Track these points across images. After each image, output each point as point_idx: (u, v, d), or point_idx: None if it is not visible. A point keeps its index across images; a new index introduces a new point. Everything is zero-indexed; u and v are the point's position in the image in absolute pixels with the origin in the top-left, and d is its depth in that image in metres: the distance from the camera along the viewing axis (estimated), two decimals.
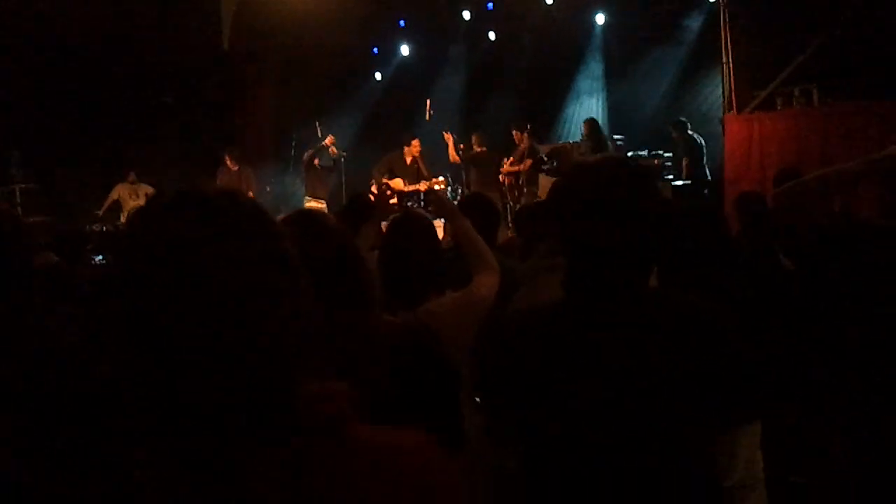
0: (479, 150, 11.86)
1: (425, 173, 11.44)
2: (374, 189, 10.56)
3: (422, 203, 10.66)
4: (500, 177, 11.83)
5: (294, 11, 12.45)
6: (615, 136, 12.86)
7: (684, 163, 11.68)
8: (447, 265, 3.25)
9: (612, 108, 14.80)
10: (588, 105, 15.16)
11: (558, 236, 1.91)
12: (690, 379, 1.72)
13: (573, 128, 14.75)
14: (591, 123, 11.76)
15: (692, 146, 11.64)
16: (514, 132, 11.87)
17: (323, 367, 1.04)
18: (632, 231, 1.78)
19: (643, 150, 12.60)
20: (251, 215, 0.99)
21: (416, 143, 11.41)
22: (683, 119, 11.98)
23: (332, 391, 1.03)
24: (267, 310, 0.95)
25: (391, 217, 3.18)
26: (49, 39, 11.63)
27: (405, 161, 11.47)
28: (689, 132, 11.75)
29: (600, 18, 14.62)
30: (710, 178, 11.56)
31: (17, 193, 11.42)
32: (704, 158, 11.69)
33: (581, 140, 11.84)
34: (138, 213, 1.01)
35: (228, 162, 11.74)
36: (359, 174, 12.24)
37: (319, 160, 11.56)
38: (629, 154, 12.19)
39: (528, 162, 11.57)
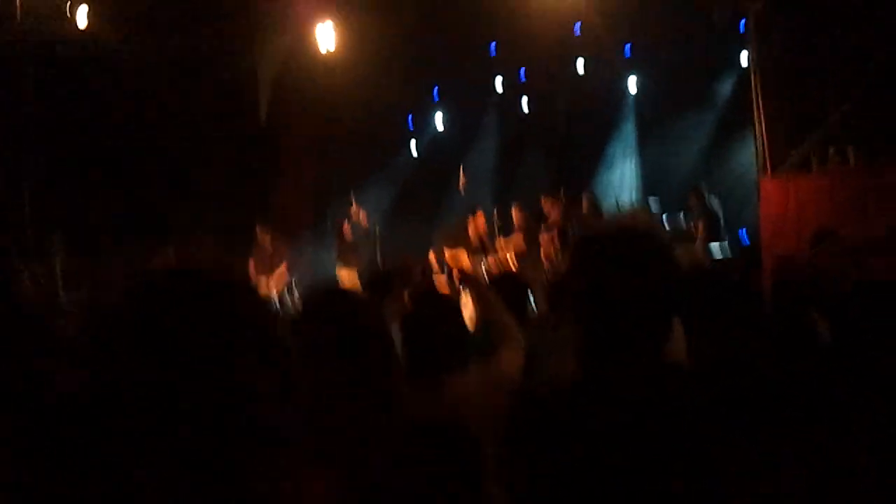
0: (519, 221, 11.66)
1: (489, 247, 11.22)
2: (431, 257, 10.51)
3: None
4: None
5: (330, 86, 12.66)
6: (650, 198, 12.82)
7: (700, 226, 11.58)
8: (473, 340, 3.30)
9: (646, 172, 14.83)
10: (622, 169, 15.21)
11: (570, 300, 1.89)
12: (717, 461, 1.68)
13: (609, 192, 14.76)
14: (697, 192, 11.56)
15: (709, 213, 11.57)
16: (543, 201, 11.66)
17: (319, 460, 1.01)
18: (643, 286, 1.75)
19: (678, 213, 12.51)
20: (234, 300, 0.97)
21: (480, 215, 11.25)
22: (701, 187, 11.91)
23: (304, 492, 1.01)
24: (240, 402, 0.92)
25: (414, 290, 3.21)
26: (91, 116, 11.92)
27: (467, 232, 11.31)
28: (708, 201, 11.69)
29: (632, 84, 14.74)
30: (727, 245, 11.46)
31: (58, 270, 11.60)
32: (721, 228, 11.60)
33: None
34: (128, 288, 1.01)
35: (261, 238, 11.82)
36: (395, 244, 12.28)
37: (351, 230, 11.63)
38: (664, 216, 12.19)
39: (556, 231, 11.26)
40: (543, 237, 11.42)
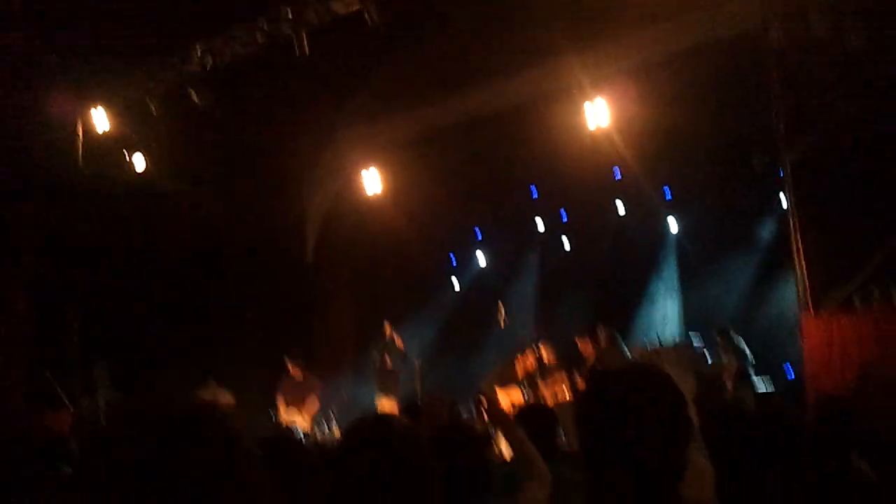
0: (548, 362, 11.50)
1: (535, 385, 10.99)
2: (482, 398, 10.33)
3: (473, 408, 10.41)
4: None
5: (375, 223, 12.98)
6: (690, 333, 12.71)
7: (733, 369, 11.41)
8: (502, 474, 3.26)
9: (689, 310, 14.77)
10: (663, 308, 15.16)
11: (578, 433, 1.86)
12: None
13: (650, 330, 14.67)
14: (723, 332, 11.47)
15: (739, 355, 11.42)
16: (578, 341, 11.32)
17: None
18: (650, 421, 1.73)
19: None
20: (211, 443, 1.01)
21: (530, 352, 11.13)
22: (727, 326, 11.80)
23: None
24: None
25: (437, 425, 3.19)
26: (137, 252, 12.24)
27: (515, 372, 11.17)
28: (735, 340, 11.56)
29: (673, 224, 14.86)
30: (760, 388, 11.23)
31: (102, 404, 11.70)
32: (752, 370, 11.41)
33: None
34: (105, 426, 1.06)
35: (290, 369, 11.87)
36: (436, 381, 12.23)
37: (390, 358, 11.63)
38: (705, 353, 12.05)
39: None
40: (577, 377, 11.15)
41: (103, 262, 11.93)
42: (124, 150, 11.83)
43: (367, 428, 2.03)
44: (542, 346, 11.38)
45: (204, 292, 13.06)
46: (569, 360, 11.68)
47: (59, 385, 10.98)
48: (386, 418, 2.22)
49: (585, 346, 11.19)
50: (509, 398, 10.78)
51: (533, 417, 4.15)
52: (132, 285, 12.43)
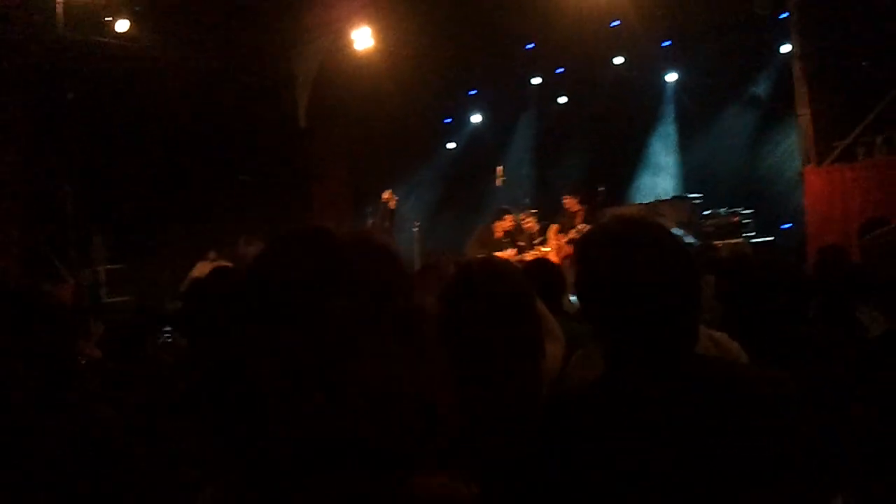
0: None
1: (525, 245, 10.81)
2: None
3: None
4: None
5: (367, 86, 12.71)
6: (690, 195, 12.67)
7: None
8: None
9: (688, 168, 14.74)
10: (663, 165, 15.12)
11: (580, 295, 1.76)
12: (757, 464, 1.56)
13: (648, 190, 14.68)
14: None
15: None
16: (564, 198, 10.85)
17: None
18: (666, 270, 1.65)
19: (721, 208, 12.33)
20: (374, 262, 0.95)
21: (509, 218, 10.91)
22: None
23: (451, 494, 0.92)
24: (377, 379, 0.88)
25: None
26: (130, 121, 12.04)
27: (493, 236, 10.98)
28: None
29: (671, 78, 14.68)
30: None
31: (103, 274, 11.74)
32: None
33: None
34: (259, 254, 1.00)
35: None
36: (434, 242, 12.24)
37: (389, 222, 11.49)
38: (707, 212, 12.05)
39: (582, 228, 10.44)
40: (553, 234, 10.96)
41: (92, 131, 11.72)
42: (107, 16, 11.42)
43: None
44: (523, 215, 11.16)
45: (198, 159, 12.91)
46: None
47: (56, 259, 10.97)
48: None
49: (572, 203, 10.96)
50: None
51: (539, 272, 4.04)
52: (123, 153, 12.27)
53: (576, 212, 10.64)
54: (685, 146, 14.87)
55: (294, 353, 0.86)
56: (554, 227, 10.82)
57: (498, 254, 10.18)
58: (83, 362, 4.60)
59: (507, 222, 10.91)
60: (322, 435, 0.86)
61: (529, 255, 10.44)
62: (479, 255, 10.31)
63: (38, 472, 1.89)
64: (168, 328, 7.76)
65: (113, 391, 3.38)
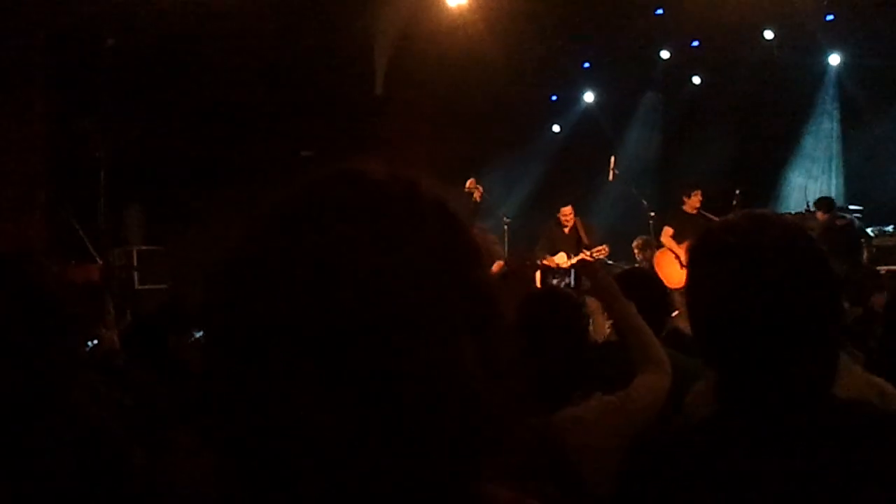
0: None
1: (586, 241, 11.16)
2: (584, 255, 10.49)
3: (572, 280, 10.34)
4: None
5: (458, 51, 12.68)
6: (851, 208, 12.48)
7: None
8: (602, 360, 3.23)
9: (849, 173, 14.71)
10: (819, 167, 15.05)
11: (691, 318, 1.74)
12: None
13: (798, 197, 14.53)
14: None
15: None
16: (687, 197, 11.02)
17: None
18: (803, 289, 1.61)
19: (888, 225, 12.25)
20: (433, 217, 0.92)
21: (565, 210, 11.37)
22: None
23: None
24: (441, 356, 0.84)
25: (526, 294, 3.09)
26: (178, 79, 12.15)
27: (563, 231, 11.43)
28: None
29: (835, 60, 14.53)
30: None
31: (135, 256, 11.86)
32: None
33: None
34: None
35: None
36: (527, 241, 12.16)
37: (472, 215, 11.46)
38: (869, 230, 11.87)
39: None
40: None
41: (133, 86, 11.86)
42: None
43: None
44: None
45: (254, 128, 13.02)
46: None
47: (84, 233, 11.12)
48: None
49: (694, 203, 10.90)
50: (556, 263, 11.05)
51: (641, 285, 3.88)
52: (169, 116, 12.40)
53: (694, 215, 10.67)
54: (848, 146, 14.80)
55: (332, 338, 0.83)
56: (668, 231, 10.84)
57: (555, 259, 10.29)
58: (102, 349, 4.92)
59: (564, 217, 11.33)
60: (370, 449, 0.84)
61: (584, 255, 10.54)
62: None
63: (9, 484, 1.96)
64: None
65: (122, 394, 3.56)
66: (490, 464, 0.91)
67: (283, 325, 0.83)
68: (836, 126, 14.87)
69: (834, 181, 14.83)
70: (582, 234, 11.27)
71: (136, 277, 11.70)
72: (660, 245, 11.03)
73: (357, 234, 0.86)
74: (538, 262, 10.91)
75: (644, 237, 11.30)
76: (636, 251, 11.26)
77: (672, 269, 10.38)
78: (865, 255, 10.97)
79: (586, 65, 15.55)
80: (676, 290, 7.22)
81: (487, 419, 0.87)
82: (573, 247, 11.26)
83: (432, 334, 0.84)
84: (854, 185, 14.21)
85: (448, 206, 0.94)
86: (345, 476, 0.83)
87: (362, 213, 0.89)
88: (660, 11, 13.92)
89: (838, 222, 11.15)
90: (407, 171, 0.99)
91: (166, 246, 12.37)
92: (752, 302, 1.61)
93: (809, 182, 14.79)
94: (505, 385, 0.89)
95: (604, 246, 11.26)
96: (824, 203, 11.60)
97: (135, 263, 11.91)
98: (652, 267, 10.70)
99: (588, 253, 10.88)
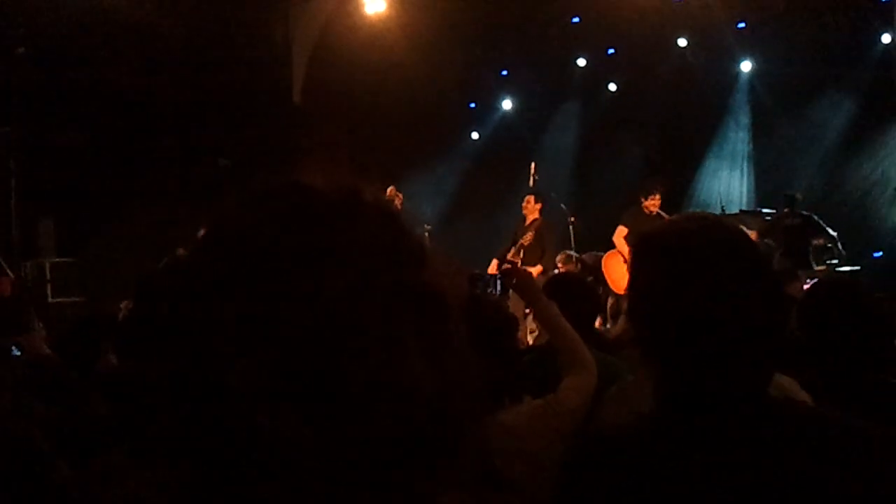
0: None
1: (521, 238, 10.85)
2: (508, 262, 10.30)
3: (498, 283, 10.28)
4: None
5: (376, 59, 12.67)
6: (763, 210, 12.60)
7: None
8: (529, 364, 3.24)
9: (760, 178, 14.83)
10: (730, 174, 15.19)
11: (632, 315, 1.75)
12: None
13: (711, 200, 14.52)
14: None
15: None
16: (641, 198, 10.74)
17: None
18: (745, 287, 1.61)
19: None
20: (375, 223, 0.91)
21: (529, 198, 11.10)
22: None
23: None
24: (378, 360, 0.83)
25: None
26: (90, 87, 11.97)
27: (523, 223, 11.03)
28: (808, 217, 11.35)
29: (746, 67, 14.68)
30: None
31: (48, 269, 11.64)
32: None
33: None
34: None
35: None
36: (449, 248, 12.16)
37: None
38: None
39: None
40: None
41: (44, 96, 11.65)
42: None
43: None
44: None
45: (169, 136, 12.85)
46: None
47: None
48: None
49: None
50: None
51: (568, 290, 3.89)
52: (81, 126, 12.20)
53: (653, 215, 10.44)
54: (759, 151, 14.96)
55: (279, 348, 0.82)
56: (621, 231, 10.69)
57: (530, 268, 10.12)
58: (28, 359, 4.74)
59: (526, 210, 10.94)
60: (318, 455, 0.83)
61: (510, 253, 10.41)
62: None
63: None
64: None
65: (49, 405, 3.50)
66: (447, 467, 0.89)
67: (227, 330, 0.83)
68: (747, 130, 15.07)
69: (746, 183, 14.99)
70: (529, 232, 10.85)
71: (49, 290, 11.51)
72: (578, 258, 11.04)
73: (302, 244, 0.87)
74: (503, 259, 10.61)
75: (566, 252, 11.15)
76: (560, 265, 11.06)
77: (620, 272, 10.28)
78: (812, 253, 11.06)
79: (504, 72, 15.63)
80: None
81: (438, 420, 0.86)
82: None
83: (378, 338, 0.84)
84: (765, 189, 14.33)
85: (391, 211, 0.95)
86: (291, 479, 0.82)
87: (306, 224, 0.89)
88: (576, 20, 14.09)
89: (787, 221, 11.32)
90: (347, 179, 0.99)
91: (79, 257, 12.18)
92: (692, 300, 1.62)
93: (723, 184, 14.96)
94: (458, 386, 0.88)
95: (530, 235, 10.91)
96: (787, 199, 11.63)
97: (47, 276, 11.71)
98: (599, 270, 10.79)
99: (515, 252, 10.73)
